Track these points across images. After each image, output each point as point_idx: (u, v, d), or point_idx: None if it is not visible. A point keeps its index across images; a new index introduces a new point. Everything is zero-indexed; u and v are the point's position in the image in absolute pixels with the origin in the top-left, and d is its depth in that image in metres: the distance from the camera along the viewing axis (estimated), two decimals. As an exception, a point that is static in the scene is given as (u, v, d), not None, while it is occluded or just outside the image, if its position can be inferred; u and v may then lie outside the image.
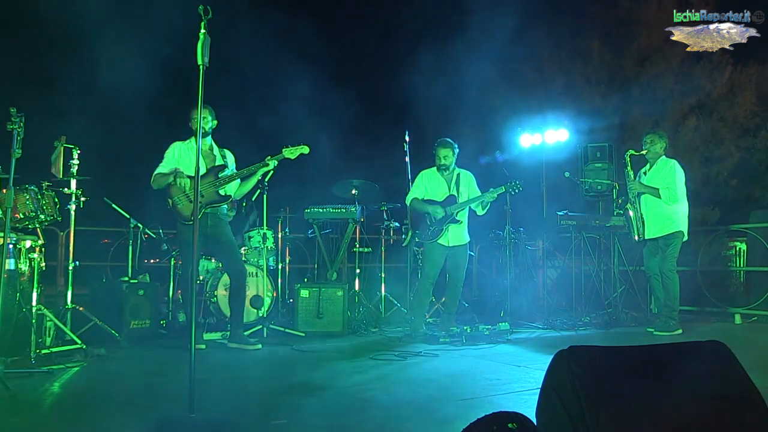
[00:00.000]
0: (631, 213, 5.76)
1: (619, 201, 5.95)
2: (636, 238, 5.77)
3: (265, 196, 5.80)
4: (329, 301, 5.55)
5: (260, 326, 5.43)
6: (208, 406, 2.78)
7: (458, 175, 5.59)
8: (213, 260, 6.00)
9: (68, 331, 4.31)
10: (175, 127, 4.98)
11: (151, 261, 6.76)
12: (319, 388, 3.27)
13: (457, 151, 5.57)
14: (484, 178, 5.84)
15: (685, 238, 5.62)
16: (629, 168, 5.79)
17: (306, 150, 4.92)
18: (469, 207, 5.52)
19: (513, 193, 5.47)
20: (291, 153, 4.89)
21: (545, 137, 9.25)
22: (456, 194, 5.51)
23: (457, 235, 5.49)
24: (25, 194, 4.14)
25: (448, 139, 5.60)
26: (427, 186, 5.61)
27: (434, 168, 5.63)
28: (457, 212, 5.45)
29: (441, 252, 5.47)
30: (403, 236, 6.12)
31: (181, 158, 4.82)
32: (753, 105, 10.27)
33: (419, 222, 5.58)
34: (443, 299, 5.95)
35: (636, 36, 10.53)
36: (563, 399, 1.80)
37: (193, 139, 4.86)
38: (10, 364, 3.64)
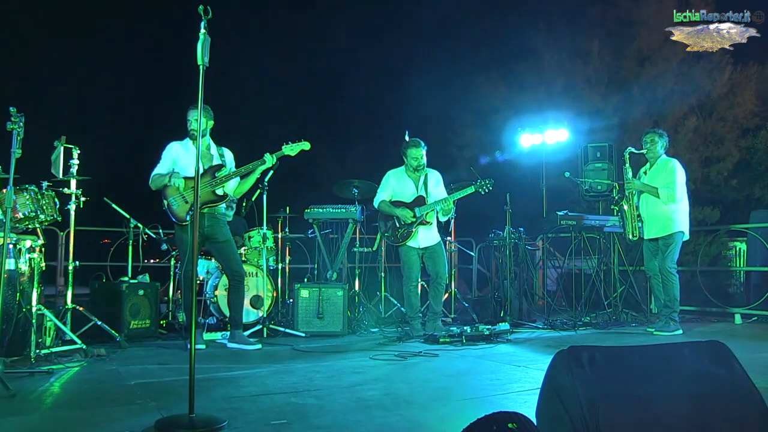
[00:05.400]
0: (626, 210, 5.72)
1: (615, 198, 5.90)
2: (630, 237, 5.73)
3: (265, 196, 5.80)
4: (329, 301, 5.55)
5: (260, 326, 5.43)
6: (208, 405, 2.78)
7: (426, 174, 5.53)
8: (213, 260, 6.00)
9: (68, 331, 4.31)
10: (174, 126, 4.95)
11: (151, 261, 6.76)
12: (319, 388, 3.27)
13: (426, 150, 5.53)
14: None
15: (686, 237, 5.60)
16: (628, 165, 5.76)
17: (307, 146, 4.82)
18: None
19: (483, 192, 5.35)
20: (291, 150, 4.77)
21: (545, 137, 9.25)
22: (425, 194, 5.46)
23: (427, 236, 5.46)
24: (25, 194, 4.14)
25: (419, 139, 5.54)
26: (395, 187, 5.56)
27: (402, 168, 5.58)
28: (426, 213, 5.41)
29: (414, 253, 5.44)
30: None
31: (178, 158, 4.77)
32: (753, 105, 10.28)
33: (387, 225, 5.54)
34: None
35: (636, 36, 10.55)
36: (563, 399, 1.80)
37: (188, 139, 4.82)
38: (10, 364, 3.64)
